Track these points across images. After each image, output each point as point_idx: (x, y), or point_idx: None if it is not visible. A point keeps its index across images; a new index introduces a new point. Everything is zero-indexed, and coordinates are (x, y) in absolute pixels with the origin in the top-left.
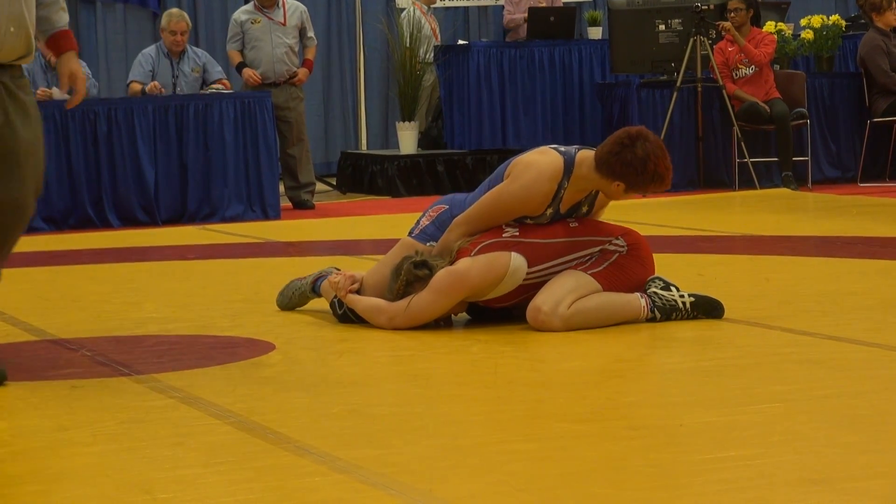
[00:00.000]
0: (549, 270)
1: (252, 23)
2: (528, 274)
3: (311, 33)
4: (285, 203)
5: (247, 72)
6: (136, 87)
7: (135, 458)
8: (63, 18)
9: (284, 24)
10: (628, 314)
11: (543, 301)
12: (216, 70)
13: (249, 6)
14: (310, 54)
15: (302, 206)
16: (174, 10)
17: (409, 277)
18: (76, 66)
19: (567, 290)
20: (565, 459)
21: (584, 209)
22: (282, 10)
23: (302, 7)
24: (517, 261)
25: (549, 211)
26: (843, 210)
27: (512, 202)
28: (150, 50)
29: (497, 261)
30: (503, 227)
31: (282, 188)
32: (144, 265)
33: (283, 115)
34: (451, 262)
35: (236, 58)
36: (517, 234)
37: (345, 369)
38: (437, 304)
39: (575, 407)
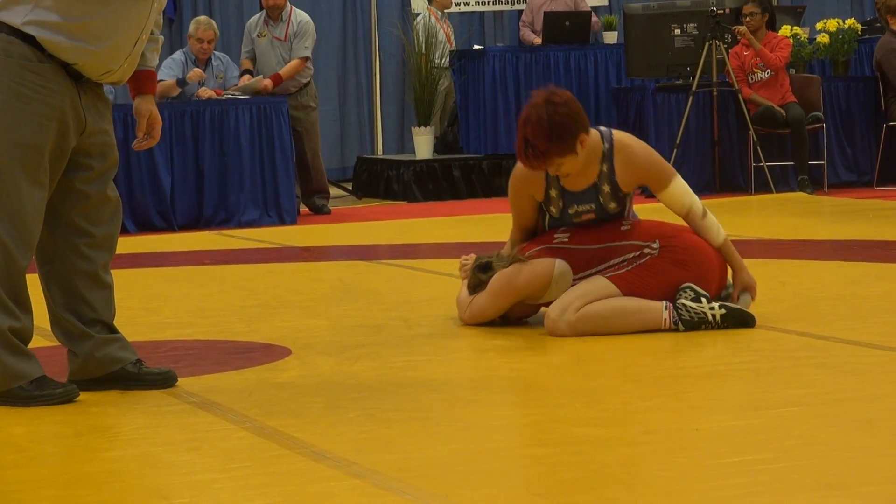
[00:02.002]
0: (596, 274)
1: (259, 36)
2: (574, 278)
3: (301, 47)
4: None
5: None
6: (166, 84)
7: (151, 463)
8: (155, 59)
9: (284, 40)
10: (645, 323)
11: (553, 308)
12: (233, 75)
13: (257, 16)
14: (285, 69)
15: (318, 211)
16: (202, 18)
17: (473, 280)
18: (156, 109)
19: (576, 294)
20: (581, 464)
21: (606, 188)
22: (286, 24)
23: (305, 20)
24: (561, 266)
25: (553, 192)
26: (860, 214)
27: (510, 195)
28: (178, 55)
29: (541, 267)
30: (555, 233)
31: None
32: (161, 270)
33: (295, 123)
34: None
35: (245, 66)
36: (566, 240)
37: (361, 374)
38: (491, 306)
39: (591, 412)
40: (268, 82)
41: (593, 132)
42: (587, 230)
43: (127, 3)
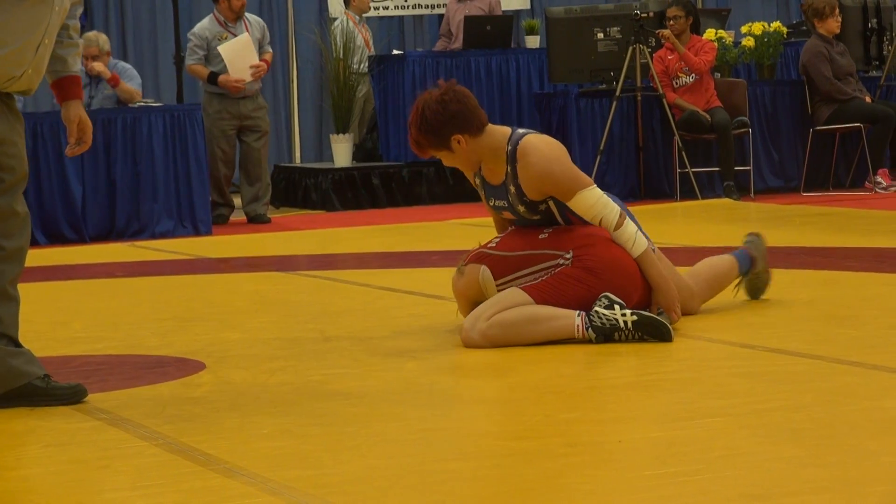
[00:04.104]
0: (517, 282)
1: (218, 39)
2: (498, 284)
3: (267, 45)
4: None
5: (223, 79)
6: None
7: (61, 481)
8: (78, 64)
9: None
10: (558, 331)
11: (466, 318)
12: (133, 83)
13: (209, 21)
14: (269, 57)
15: (258, 220)
16: (89, 34)
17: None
18: (85, 114)
19: (488, 304)
20: (502, 478)
21: (513, 190)
22: (243, 24)
23: (262, 22)
24: (484, 273)
25: (478, 180)
26: (786, 220)
27: None
28: None
29: (470, 273)
30: (494, 238)
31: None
32: (72, 283)
33: (252, 125)
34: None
35: (203, 71)
36: (493, 246)
37: (276, 388)
38: (458, 304)
39: (511, 424)
40: (264, 62)
41: (501, 131)
42: (511, 237)
43: (22, 5)
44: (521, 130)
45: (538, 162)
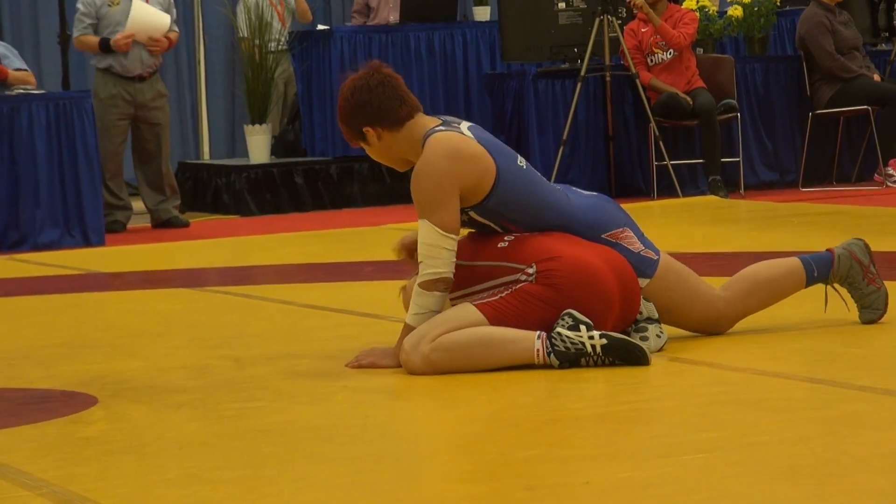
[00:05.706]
0: (471, 298)
1: (110, 4)
2: (452, 298)
3: (174, 24)
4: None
5: (117, 40)
6: None
7: None
8: None
9: (148, 3)
10: (513, 356)
11: (407, 339)
12: (14, 64)
13: None
14: (174, 36)
15: (173, 223)
16: None
17: None
18: None
19: (435, 323)
20: None
21: None
22: None
23: None
24: None
25: None
26: (782, 220)
27: None
28: None
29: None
30: None
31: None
32: None
33: (150, 116)
34: None
35: (92, 40)
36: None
37: (182, 426)
38: None
39: (461, 464)
40: (167, 39)
41: (424, 123)
42: (468, 243)
43: None
44: (442, 126)
45: (415, 173)
